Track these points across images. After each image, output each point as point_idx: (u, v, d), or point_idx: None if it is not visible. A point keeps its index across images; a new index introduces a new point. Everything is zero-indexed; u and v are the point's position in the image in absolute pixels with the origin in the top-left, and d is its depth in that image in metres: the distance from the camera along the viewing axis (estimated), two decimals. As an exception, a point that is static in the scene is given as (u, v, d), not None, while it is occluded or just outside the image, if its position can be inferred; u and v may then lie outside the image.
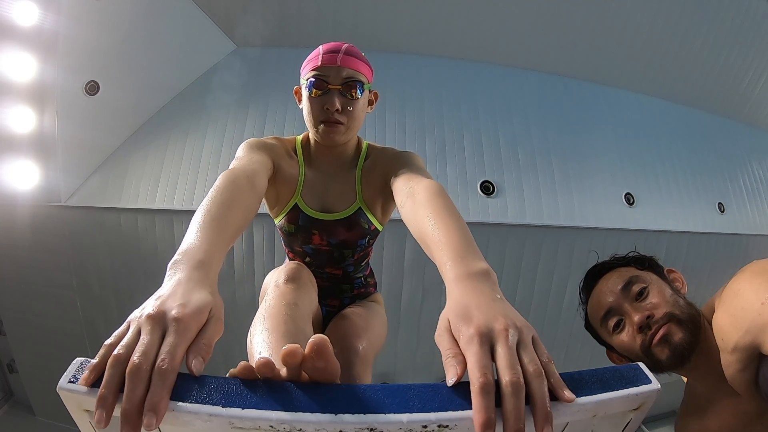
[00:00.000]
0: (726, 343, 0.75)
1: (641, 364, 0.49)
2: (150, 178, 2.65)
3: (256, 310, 0.84)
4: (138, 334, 0.44)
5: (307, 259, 1.06)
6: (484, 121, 2.92)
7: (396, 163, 0.93)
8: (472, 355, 0.42)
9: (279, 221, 1.04)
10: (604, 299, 0.91)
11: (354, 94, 0.90)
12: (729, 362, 0.76)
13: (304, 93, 0.93)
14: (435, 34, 3.04)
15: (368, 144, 1.05)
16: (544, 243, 2.76)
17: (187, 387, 0.43)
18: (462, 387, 0.43)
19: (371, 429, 0.41)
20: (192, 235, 0.59)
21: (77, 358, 0.45)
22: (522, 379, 0.40)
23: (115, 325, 0.47)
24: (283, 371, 0.45)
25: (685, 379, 0.96)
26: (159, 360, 0.41)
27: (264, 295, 0.92)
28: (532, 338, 0.45)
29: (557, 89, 3.20)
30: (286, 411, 0.41)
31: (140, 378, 0.40)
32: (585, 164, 2.94)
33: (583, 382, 0.44)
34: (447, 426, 0.41)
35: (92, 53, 2.46)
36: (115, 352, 0.42)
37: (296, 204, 0.99)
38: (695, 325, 0.84)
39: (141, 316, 0.45)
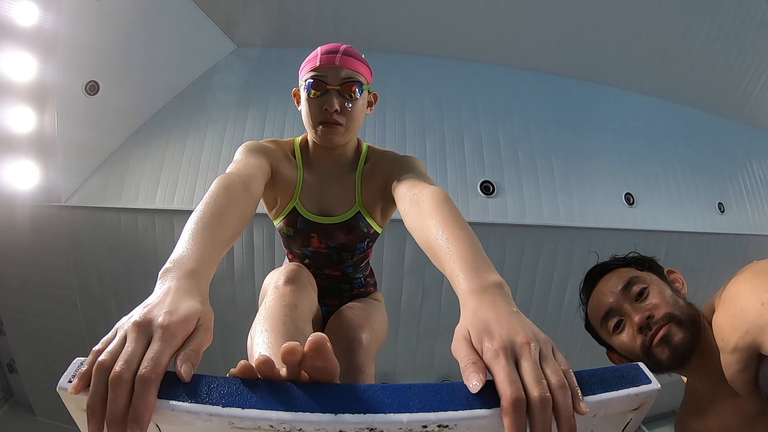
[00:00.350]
0: (726, 343, 0.75)
1: (641, 364, 0.49)
2: (150, 178, 2.65)
3: (256, 310, 0.84)
4: (124, 341, 0.44)
5: (306, 260, 1.06)
6: (484, 121, 2.92)
7: (397, 167, 0.92)
8: (501, 370, 0.42)
9: (278, 223, 1.04)
10: (605, 300, 0.91)
11: (353, 94, 0.90)
12: (729, 362, 0.76)
13: (303, 94, 0.92)
14: (435, 34, 3.04)
15: (368, 146, 1.04)
16: (544, 243, 2.76)
17: (188, 387, 0.43)
18: (462, 387, 0.44)
19: (371, 429, 0.41)
20: (184, 243, 0.58)
21: (77, 358, 0.45)
22: (549, 394, 0.41)
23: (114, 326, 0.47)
24: (283, 371, 0.45)
25: (685, 379, 0.96)
26: (141, 368, 0.41)
27: (264, 296, 0.92)
28: (551, 349, 0.46)
29: (557, 89, 3.20)
30: (286, 411, 0.41)
31: (122, 387, 0.40)
32: (585, 164, 2.94)
33: (583, 382, 0.45)
34: (447, 426, 0.41)
35: (92, 53, 2.46)
36: (100, 359, 0.42)
37: (294, 207, 0.99)
38: (695, 325, 0.84)
39: (128, 323, 0.45)
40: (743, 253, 3.20)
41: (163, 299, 0.48)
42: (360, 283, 1.13)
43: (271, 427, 0.40)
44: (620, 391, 0.45)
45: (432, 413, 0.41)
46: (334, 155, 0.99)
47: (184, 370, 0.43)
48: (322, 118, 0.90)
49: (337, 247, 1.02)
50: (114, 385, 0.40)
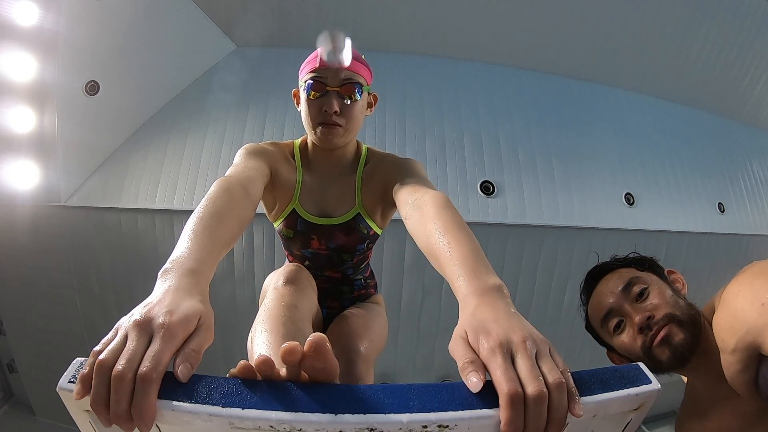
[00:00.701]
0: (726, 343, 0.75)
1: (641, 364, 0.49)
2: (150, 178, 2.65)
3: (256, 310, 0.84)
4: (124, 340, 0.44)
5: (306, 262, 1.06)
6: (485, 121, 2.92)
7: (398, 171, 0.92)
8: (498, 367, 0.43)
9: (278, 225, 1.04)
10: (605, 300, 0.91)
11: (353, 96, 0.89)
12: (729, 363, 0.76)
13: (303, 95, 0.92)
14: (435, 33, 3.04)
15: (368, 148, 1.04)
16: (544, 243, 2.76)
17: (188, 387, 0.43)
18: (462, 387, 0.44)
19: (371, 429, 0.41)
20: (183, 243, 0.59)
21: (77, 358, 0.45)
22: (545, 390, 0.41)
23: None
24: (283, 371, 0.45)
25: (685, 380, 0.96)
26: (142, 367, 0.41)
27: (264, 297, 0.92)
28: (549, 349, 0.46)
29: (558, 89, 3.20)
30: (286, 411, 0.41)
31: (124, 386, 0.40)
32: (585, 164, 2.94)
33: (583, 382, 0.45)
34: (447, 426, 0.41)
35: (92, 53, 2.46)
36: (101, 357, 0.42)
37: (294, 209, 0.99)
38: (696, 325, 0.84)
39: (128, 322, 0.45)
40: (743, 253, 3.20)
41: (163, 298, 0.48)
42: (360, 284, 1.13)
43: (271, 427, 0.40)
44: (620, 391, 0.45)
45: (432, 413, 0.41)
46: (334, 157, 0.99)
47: (181, 370, 0.43)
48: (322, 119, 0.90)
49: (337, 249, 1.02)
50: (116, 384, 0.40)
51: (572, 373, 0.45)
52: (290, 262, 1.09)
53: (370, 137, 2.68)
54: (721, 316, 0.77)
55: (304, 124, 0.95)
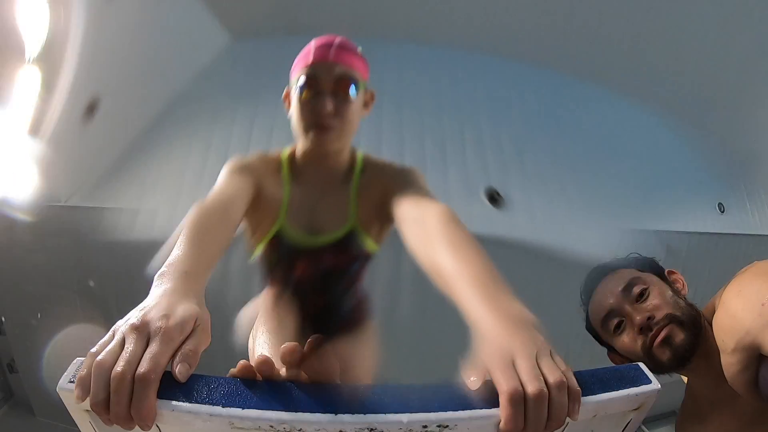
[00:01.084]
0: (726, 344, 0.75)
1: (641, 364, 0.49)
2: (150, 178, 2.65)
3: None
4: (122, 343, 0.44)
5: (290, 291, 0.98)
6: (486, 120, 2.87)
7: (398, 182, 0.85)
8: (498, 366, 0.43)
9: (259, 251, 0.96)
10: (605, 301, 0.91)
11: (347, 95, 0.83)
12: (729, 363, 0.76)
13: (294, 96, 0.86)
14: (433, 20, 2.88)
15: (364, 156, 0.96)
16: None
17: (188, 387, 0.43)
18: (462, 387, 0.44)
19: (371, 429, 0.41)
20: (179, 247, 0.59)
21: (77, 358, 0.45)
22: (545, 389, 0.41)
23: (115, 326, 0.47)
24: (283, 371, 0.45)
25: (685, 379, 0.96)
26: (140, 367, 0.41)
27: (249, 329, 0.89)
28: (549, 352, 0.46)
29: (560, 90, 3.17)
30: (286, 411, 0.41)
31: (124, 386, 0.40)
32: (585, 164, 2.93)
33: (583, 382, 0.45)
34: (447, 426, 0.41)
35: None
36: (99, 358, 0.42)
37: (279, 230, 0.91)
38: (696, 326, 0.84)
39: (125, 326, 0.45)
40: (743, 253, 3.20)
41: (159, 302, 0.48)
42: (348, 311, 1.04)
43: (271, 427, 0.40)
44: (620, 391, 0.45)
45: (432, 413, 0.41)
46: (326, 165, 0.92)
47: (179, 370, 0.43)
48: (314, 122, 0.84)
49: (326, 272, 0.94)
50: (116, 385, 0.40)
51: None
52: (270, 286, 1.01)
53: (365, 135, 2.61)
54: (721, 316, 0.77)
55: (294, 129, 0.88)
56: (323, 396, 0.43)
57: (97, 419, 0.42)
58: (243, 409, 0.41)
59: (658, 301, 0.87)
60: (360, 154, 0.96)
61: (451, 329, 0.51)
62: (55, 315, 2.88)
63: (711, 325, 0.82)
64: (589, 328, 1.00)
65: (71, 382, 0.43)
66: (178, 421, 0.41)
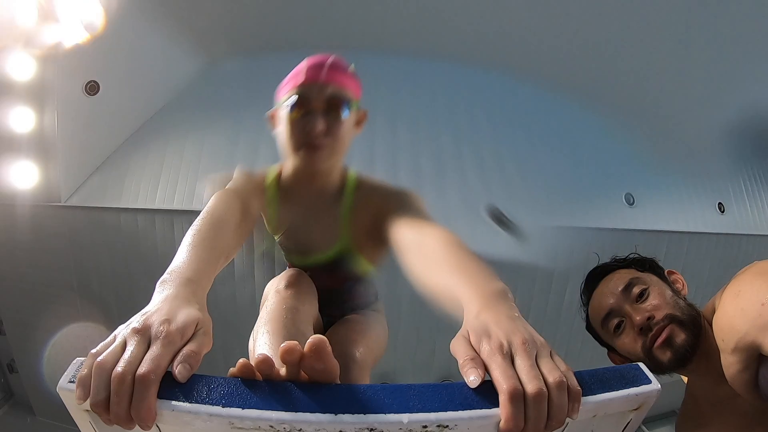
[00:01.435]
0: (726, 343, 0.75)
1: (641, 364, 0.49)
2: (150, 178, 2.65)
3: (257, 311, 0.85)
4: (123, 345, 0.44)
5: (308, 272, 1.00)
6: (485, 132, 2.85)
7: (394, 205, 0.81)
8: (498, 367, 0.43)
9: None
10: (605, 301, 0.92)
11: (339, 114, 0.81)
12: (729, 363, 0.76)
13: (283, 115, 0.83)
14: (427, 32, 2.91)
15: (356, 176, 0.93)
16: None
17: (188, 387, 0.43)
18: (462, 387, 0.44)
19: (371, 429, 0.41)
20: (182, 255, 0.59)
21: (77, 358, 0.45)
22: (545, 388, 0.41)
23: (115, 326, 0.47)
24: (283, 371, 0.45)
25: (685, 379, 0.96)
26: (141, 368, 0.41)
27: (265, 301, 0.91)
28: (549, 352, 0.46)
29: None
30: (286, 411, 0.41)
31: (124, 387, 0.40)
32: (585, 164, 2.94)
33: (583, 382, 0.45)
34: (447, 426, 0.41)
35: (93, 53, 2.45)
36: (99, 359, 0.42)
37: (268, 250, 0.93)
38: (696, 326, 0.84)
39: (126, 329, 0.46)
40: (743, 253, 3.20)
41: (161, 307, 0.49)
42: (360, 294, 1.08)
43: (271, 427, 0.40)
44: (620, 391, 0.45)
45: (432, 413, 0.41)
46: (315, 185, 0.89)
47: (180, 370, 0.43)
48: (305, 140, 0.81)
49: (320, 290, 0.94)
50: (116, 386, 0.40)
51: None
52: (290, 267, 1.07)
53: (360, 144, 2.61)
54: (721, 316, 0.77)
55: (283, 147, 0.85)
56: (323, 396, 0.43)
57: (97, 419, 0.42)
58: (243, 409, 0.41)
59: (658, 301, 0.87)
60: (352, 173, 0.94)
61: (451, 329, 0.51)
62: (55, 315, 2.88)
63: (711, 325, 0.82)
64: (589, 328, 1.00)
65: (71, 382, 0.43)
66: (178, 421, 0.42)
